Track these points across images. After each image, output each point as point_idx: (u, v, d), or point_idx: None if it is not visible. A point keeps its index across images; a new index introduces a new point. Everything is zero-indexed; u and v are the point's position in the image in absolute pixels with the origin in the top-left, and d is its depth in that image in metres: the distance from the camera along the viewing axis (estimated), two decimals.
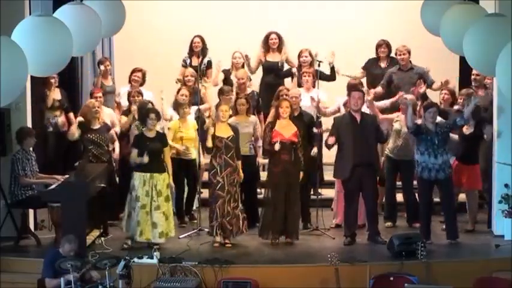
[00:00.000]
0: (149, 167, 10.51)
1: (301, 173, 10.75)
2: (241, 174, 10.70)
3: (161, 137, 10.75)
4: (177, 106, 11.58)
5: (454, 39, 9.68)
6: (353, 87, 11.38)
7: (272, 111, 11.08)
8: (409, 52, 12.20)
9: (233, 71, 12.44)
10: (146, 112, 10.75)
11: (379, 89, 12.11)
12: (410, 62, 12.24)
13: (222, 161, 10.60)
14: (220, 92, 11.77)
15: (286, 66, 12.70)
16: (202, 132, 11.31)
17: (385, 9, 13.93)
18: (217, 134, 10.61)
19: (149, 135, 10.64)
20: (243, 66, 12.44)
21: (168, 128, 11.43)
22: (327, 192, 11.91)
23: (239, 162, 10.70)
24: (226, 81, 12.34)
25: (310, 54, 12.25)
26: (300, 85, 12.13)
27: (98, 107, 11.41)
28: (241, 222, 10.66)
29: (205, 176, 11.40)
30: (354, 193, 10.75)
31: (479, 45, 8.85)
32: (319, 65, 11.49)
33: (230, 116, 11.03)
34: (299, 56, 12.38)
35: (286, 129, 10.68)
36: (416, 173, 10.77)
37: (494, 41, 8.64)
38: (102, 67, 12.49)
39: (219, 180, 10.57)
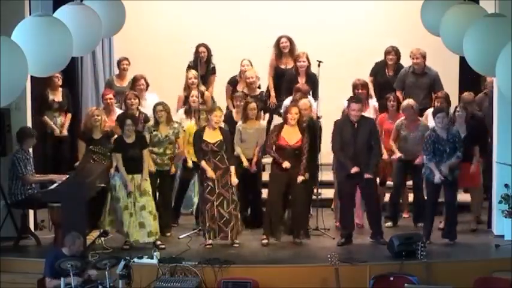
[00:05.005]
0: (130, 168, 10.56)
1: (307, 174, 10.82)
2: (234, 179, 10.64)
3: (140, 141, 10.73)
4: (191, 111, 11.54)
5: (454, 39, 9.67)
6: (357, 88, 11.58)
7: None
8: (423, 56, 12.05)
9: (240, 79, 12.26)
10: (123, 119, 10.75)
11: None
12: (425, 65, 12.13)
13: (211, 164, 10.61)
14: (234, 98, 11.73)
15: None
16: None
17: (385, 9, 13.90)
18: (204, 139, 10.60)
19: (128, 141, 10.65)
20: None
21: (184, 130, 11.38)
22: (327, 192, 11.89)
23: (232, 167, 10.67)
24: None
25: (308, 59, 12.10)
26: None
27: (98, 115, 11.23)
28: (239, 222, 10.68)
29: None
30: (350, 195, 10.77)
31: (479, 45, 8.84)
32: (319, 65, 11.46)
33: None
34: (296, 60, 12.18)
35: (292, 136, 10.70)
36: (424, 174, 10.76)
37: (494, 41, 8.62)
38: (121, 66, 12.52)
39: (209, 184, 10.57)
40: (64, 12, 9.34)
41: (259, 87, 12.17)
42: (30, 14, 10.39)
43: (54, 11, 9.93)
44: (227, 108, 12.12)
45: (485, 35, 8.80)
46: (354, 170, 10.57)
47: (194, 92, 11.63)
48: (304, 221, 10.83)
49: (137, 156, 10.63)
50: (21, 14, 10.54)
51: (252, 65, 12.28)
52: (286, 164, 10.60)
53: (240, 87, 12.17)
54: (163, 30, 13.96)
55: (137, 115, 11.45)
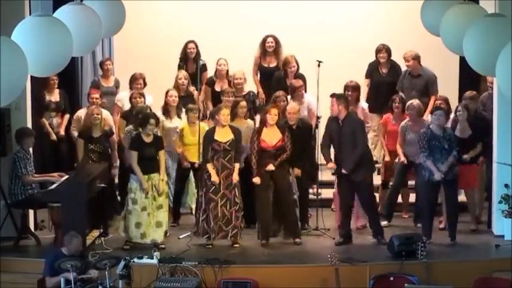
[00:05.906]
0: (146, 168, 10.54)
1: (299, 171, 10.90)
2: (235, 177, 10.60)
3: (157, 142, 10.69)
4: (168, 110, 11.53)
5: (454, 39, 9.67)
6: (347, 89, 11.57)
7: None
8: (414, 58, 11.99)
9: (217, 79, 12.23)
10: (146, 118, 10.73)
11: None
12: (420, 66, 12.08)
13: (218, 164, 10.59)
14: (222, 94, 11.71)
15: None
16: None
17: (385, 9, 13.90)
18: (215, 138, 10.58)
19: (146, 140, 10.63)
20: (227, 74, 12.16)
21: (177, 132, 11.40)
22: (327, 192, 11.89)
23: (236, 165, 10.65)
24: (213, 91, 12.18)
25: (296, 62, 12.10)
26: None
27: (98, 114, 11.29)
28: (240, 223, 10.67)
29: None
30: (346, 195, 10.78)
31: (479, 45, 8.84)
32: (319, 65, 11.45)
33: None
34: (285, 65, 12.10)
35: (272, 137, 10.69)
36: (424, 176, 10.66)
37: (494, 41, 8.62)
38: (104, 67, 12.51)
39: (213, 183, 10.55)
40: (64, 12, 9.34)
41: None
42: (30, 14, 10.40)
43: (54, 11, 9.92)
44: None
45: (485, 35, 8.79)
46: (329, 165, 10.68)
47: (173, 92, 11.62)
48: (292, 220, 10.78)
49: (153, 156, 10.59)
50: (21, 14, 10.55)
51: (227, 64, 12.20)
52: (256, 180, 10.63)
53: (218, 87, 12.11)
54: (163, 30, 13.95)
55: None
